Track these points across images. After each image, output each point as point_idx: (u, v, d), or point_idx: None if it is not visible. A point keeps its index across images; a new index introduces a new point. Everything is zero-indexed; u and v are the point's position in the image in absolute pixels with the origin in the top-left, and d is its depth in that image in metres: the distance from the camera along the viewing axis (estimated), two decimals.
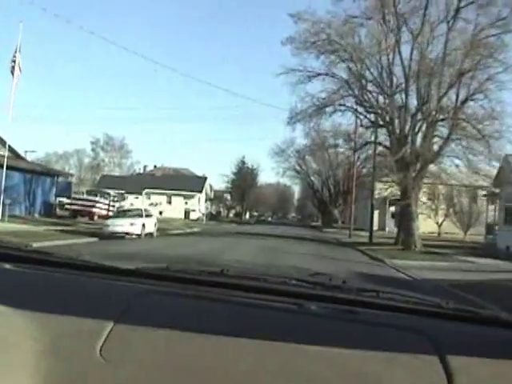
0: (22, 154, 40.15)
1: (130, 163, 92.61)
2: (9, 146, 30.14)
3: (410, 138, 26.06)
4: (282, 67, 28.58)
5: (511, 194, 25.83)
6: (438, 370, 1.15)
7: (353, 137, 35.44)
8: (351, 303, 1.44)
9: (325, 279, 1.69)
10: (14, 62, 27.09)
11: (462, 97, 25.00)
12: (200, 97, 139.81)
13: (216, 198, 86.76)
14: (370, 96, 27.78)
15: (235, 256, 15.20)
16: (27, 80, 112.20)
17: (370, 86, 27.65)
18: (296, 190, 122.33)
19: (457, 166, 26.71)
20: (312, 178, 77.37)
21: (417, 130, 26.34)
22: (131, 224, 23.09)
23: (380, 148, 30.62)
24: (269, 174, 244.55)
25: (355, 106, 29.06)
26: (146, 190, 69.82)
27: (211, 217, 69.30)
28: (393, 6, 25.17)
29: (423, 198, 33.73)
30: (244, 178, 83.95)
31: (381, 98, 27.43)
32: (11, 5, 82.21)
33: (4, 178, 27.27)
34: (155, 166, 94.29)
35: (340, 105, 28.71)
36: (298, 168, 75.26)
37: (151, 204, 63.06)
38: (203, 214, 61.47)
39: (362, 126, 30.81)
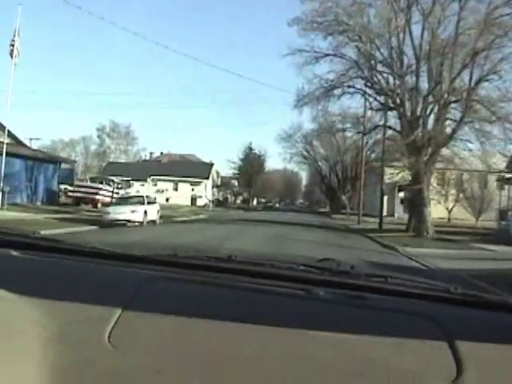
0: (27, 142, 39.73)
1: (136, 150, 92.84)
2: (10, 133, 29.69)
3: (421, 121, 25.28)
4: (289, 48, 27.69)
5: None
6: (447, 355, 1.15)
7: (362, 120, 34.58)
8: (359, 289, 1.43)
9: (333, 265, 1.66)
10: (13, 45, 26.72)
11: (475, 78, 24.07)
12: (207, 81, 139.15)
13: (223, 184, 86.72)
14: (379, 77, 26.87)
15: (239, 245, 14.49)
16: (31, 67, 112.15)
17: (379, 67, 26.75)
18: (303, 175, 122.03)
19: (470, 150, 25.80)
20: (320, 164, 76.74)
21: (428, 112, 25.48)
22: (132, 211, 22.49)
23: (389, 132, 29.87)
24: (276, 160, 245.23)
25: (364, 88, 28.15)
26: (153, 177, 69.75)
27: (218, 203, 69.13)
28: None
29: (433, 184, 32.95)
30: (251, 163, 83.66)
31: (391, 80, 26.51)
32: None
33: (3, 165, 26.77)
34: (161, 153, 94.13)
35: (349, 86, 27.80)
36: (305, 153, 74.75)
37: (157, 191, 63.00)
38: (210, 201, 61.16)
39: (371, 108, 30.05)
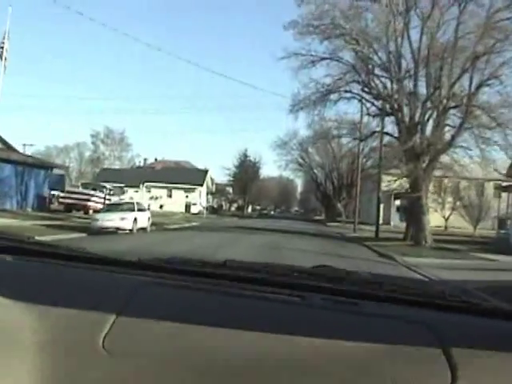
0: (20, 148, 39.05)
1: (131, 156, 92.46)
2: (0, 138, 29.01)
3: (419, 127, 24.77)
4: (285, 51, 27.20)
5: None
6: (441, 361, 1.14)
7: (358, 126, 34.08)
8: (355, 295, 1.41)
9: (328, 271, 1.65)
10: (2, 48, 26.14)
11: (475, 83, 23.58)
12: (201, 87, 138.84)
13: (218, 191, 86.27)
14: (377, 82, 26.40)
15: (233, 254, 13.77)
16: (22, 73, 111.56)
17: (377, 71, 26.31)
18: (299, 183, 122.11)
19: (470, 157, 25.24)
20: (315, 171, 76.74)
21: (427, 118, 24.98)
22: (122, 218, 21.86)
23: (386, 138, 29.44)
24: (271, 167, 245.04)
25: (361, 93, 27.61)
26: (146, 184, 69.14)
27: (212, 210, 68.52)
28: None
29: (430, 191, 32.46)
30: (246, 171, 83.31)
31: (388, 84, 25.97)
32: None
33: None
34: (156, 159, 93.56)
35: (346, 91, 27.36)
36: (300, 161, 74.83)
37: (151, 197, 62.50)
38: (204, 208, 60.53)
39: (368, 114, 29.45)
